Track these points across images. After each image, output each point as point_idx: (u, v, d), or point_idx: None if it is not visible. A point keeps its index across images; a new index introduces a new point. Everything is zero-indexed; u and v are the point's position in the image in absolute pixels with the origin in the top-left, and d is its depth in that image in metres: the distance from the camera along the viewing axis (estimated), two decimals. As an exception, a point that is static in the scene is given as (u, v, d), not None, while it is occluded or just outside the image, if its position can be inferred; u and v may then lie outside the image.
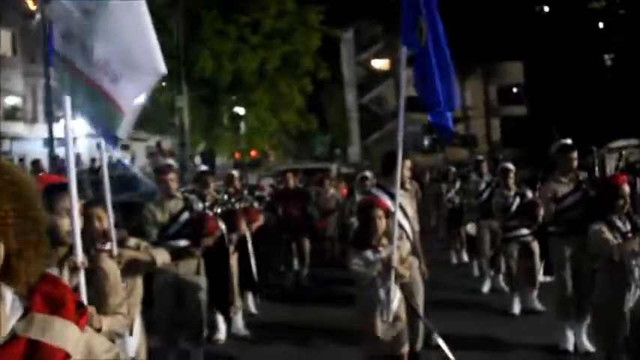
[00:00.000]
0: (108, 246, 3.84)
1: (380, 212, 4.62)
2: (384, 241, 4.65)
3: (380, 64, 47.54)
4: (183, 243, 5.61)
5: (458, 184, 11.42)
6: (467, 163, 31.02)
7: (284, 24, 23.83)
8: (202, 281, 5.87)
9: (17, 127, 32.29)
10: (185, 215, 5.67)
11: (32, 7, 26.10)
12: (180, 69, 21.16)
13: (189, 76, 22.22)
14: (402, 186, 5.39)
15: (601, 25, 46.95)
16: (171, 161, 6.03)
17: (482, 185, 9.44)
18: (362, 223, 4.75)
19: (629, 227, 4.41)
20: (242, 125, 27.68)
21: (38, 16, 22.31)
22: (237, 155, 32.23)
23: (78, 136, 27.50)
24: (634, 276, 4.31)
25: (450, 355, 4.53)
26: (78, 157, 22.32)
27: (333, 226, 12.56)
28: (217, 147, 25.99)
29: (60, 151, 23.19)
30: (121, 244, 4.10)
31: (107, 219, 3.84)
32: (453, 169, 12.75)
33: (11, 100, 33.51)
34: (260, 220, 8.22)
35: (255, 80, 23.97)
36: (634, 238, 4.26)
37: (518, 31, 42.07)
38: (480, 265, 9.61)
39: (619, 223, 4.36)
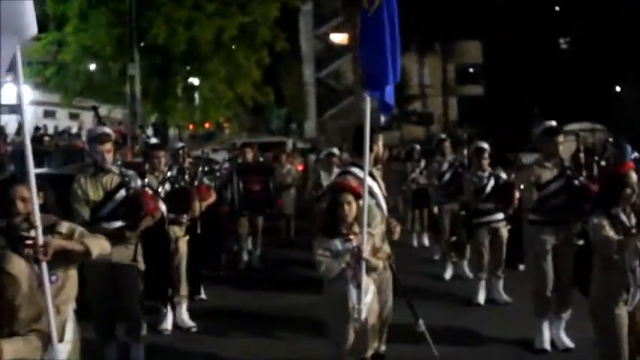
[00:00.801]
0: (32, 233, 3.21)
1: (350, 197, 4.16)
2: (355, 228, 4.18)
3: (339, 38, 46.85)
4: (118, 224, 4.94)
5: (422, 164, 10.96)
6: (423, 141, 30.89)
7: (242, -8, 22.97)
8: (139, 269, 5.19)
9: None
10: (121, 193, 4.96)
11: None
12: (132, 35, 20.20)
13: (142, 44, 21.25)
14: (376, 164, 4.95)
15: (557, 8, 47.21)
16: (107, 129, 5.30)
17: (445, 166, 8.95)
18: (330, 208, 4.26)
19: (634, 222, 3.97)
20: (196, 96, 26.80)
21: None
22: (191, 127, 31.30)
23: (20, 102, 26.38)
24: (635, 275, 3.90)
25: (434, 348, 4.12)
26: (19, 125, 21.16)
27: (289, 203, 11.99)
28: (170, 118, 25.04)
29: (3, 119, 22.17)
30: (51, 229, 3.44)
31: (32, 200, 3.20)
32: (418, 147, 12.26)
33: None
34: (212, 198, 7.52)
35: (211, 50, 23.08)
36: (638, 234, 3.85)
37: (476, 10, 41.93)
38: (441, 249, 9.22)
39: (623, 217, 3.92)
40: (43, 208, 3.34)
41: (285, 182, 11.61)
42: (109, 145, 4.92)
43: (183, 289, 6.68)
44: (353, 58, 45.66)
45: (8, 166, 13.49)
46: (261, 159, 10.87)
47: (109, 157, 4.94)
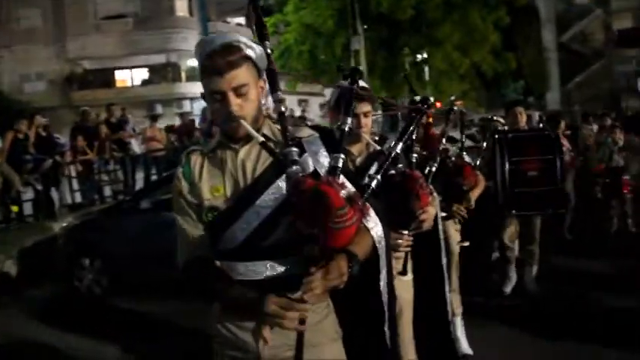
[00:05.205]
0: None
1: None
2: None
3: (583, -6, 41.25)
4: (273, 270, 1.94)
5: None
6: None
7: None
8: None
9: (197, 88, 31.91)
10: (278, 185, 1.95)
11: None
12: (354, 5, 18.28)
13: (365, 14, 19.29)
14: None
15: None
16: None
17: None
18: None
19: None
20: (427, 71, 24.28)
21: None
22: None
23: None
24: None
25: None
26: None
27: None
28: (400, 95, 22.81)
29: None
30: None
31: None
32: None
33: (192, 62, 33.45)
34: (481, 185, 4.47)
35: (441, 13, 20.36)
36: None
37: None
38: None
39: None
40: None
41: None
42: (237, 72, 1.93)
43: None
44: (601, 14, 39.95)
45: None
46: (541, 125, 7.60)
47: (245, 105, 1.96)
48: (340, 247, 1.82)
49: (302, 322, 1.82)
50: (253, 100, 1.98)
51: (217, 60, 1.90)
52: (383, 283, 2.06)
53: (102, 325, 6.34)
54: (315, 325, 1.92)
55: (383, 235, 2.02)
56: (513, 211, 6.13)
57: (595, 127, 11.34)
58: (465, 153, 4.67)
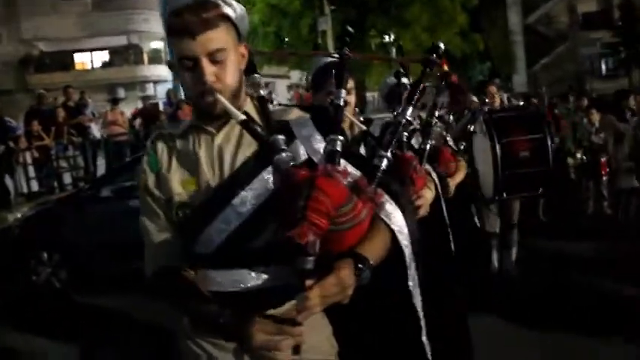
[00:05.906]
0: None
1: None
2: None
3: (547, -23, 41.31)
4: (247, 279, 1.60)
5: None
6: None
7: None
8: None
9: (160, 70, 31.48)
10: (263, 177, 1.59)
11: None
12: (322, -16, 17.92)
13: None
14: None
15: None
16: None
17: None
18: None
19: None
20: (394, 52, 24.06)
21: None
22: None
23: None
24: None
25: None
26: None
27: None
28: (368, 78, 22.49)
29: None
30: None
31: None
32: None
33: (154, 44, 32.68)
34: (461, 173, 3.92)
35: (410, -5, 20.17)
36: None
37: None
38: None
39: None
40: None
41: None
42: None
43: None
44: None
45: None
46: (521, 102, 7.30)
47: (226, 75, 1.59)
48: (347, 249, 1.45)
49: (296, 349, 1.45)
50: (233, 69, 1.60)
51: (188, 18, 1.52)
52: (413, 283, 1.66)
53: (62, 322, 6.02)
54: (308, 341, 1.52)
55: (404, 224, 1.63)
56: (504, 195, 5.62)
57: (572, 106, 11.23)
58: (448, 136, 4.31)
